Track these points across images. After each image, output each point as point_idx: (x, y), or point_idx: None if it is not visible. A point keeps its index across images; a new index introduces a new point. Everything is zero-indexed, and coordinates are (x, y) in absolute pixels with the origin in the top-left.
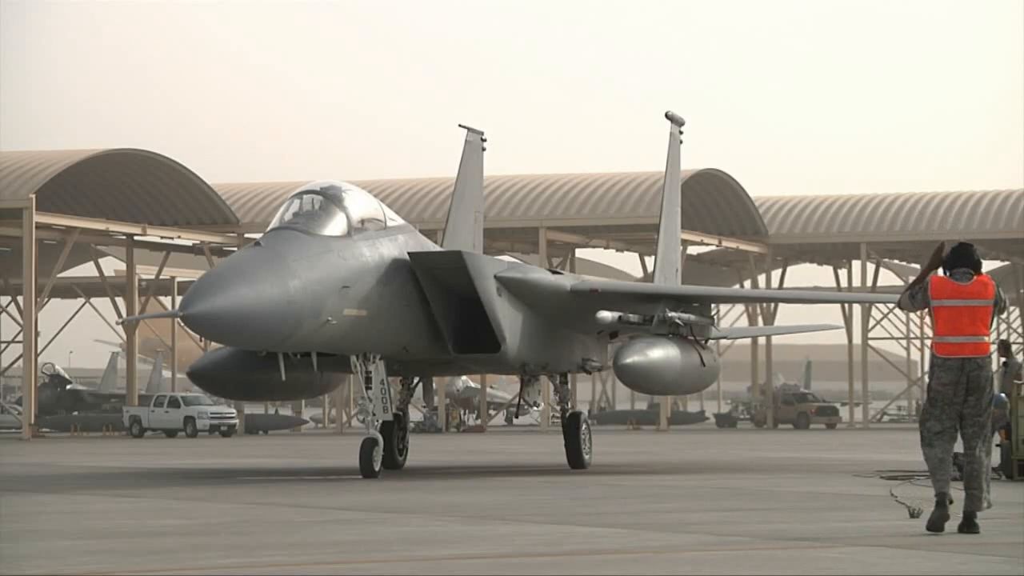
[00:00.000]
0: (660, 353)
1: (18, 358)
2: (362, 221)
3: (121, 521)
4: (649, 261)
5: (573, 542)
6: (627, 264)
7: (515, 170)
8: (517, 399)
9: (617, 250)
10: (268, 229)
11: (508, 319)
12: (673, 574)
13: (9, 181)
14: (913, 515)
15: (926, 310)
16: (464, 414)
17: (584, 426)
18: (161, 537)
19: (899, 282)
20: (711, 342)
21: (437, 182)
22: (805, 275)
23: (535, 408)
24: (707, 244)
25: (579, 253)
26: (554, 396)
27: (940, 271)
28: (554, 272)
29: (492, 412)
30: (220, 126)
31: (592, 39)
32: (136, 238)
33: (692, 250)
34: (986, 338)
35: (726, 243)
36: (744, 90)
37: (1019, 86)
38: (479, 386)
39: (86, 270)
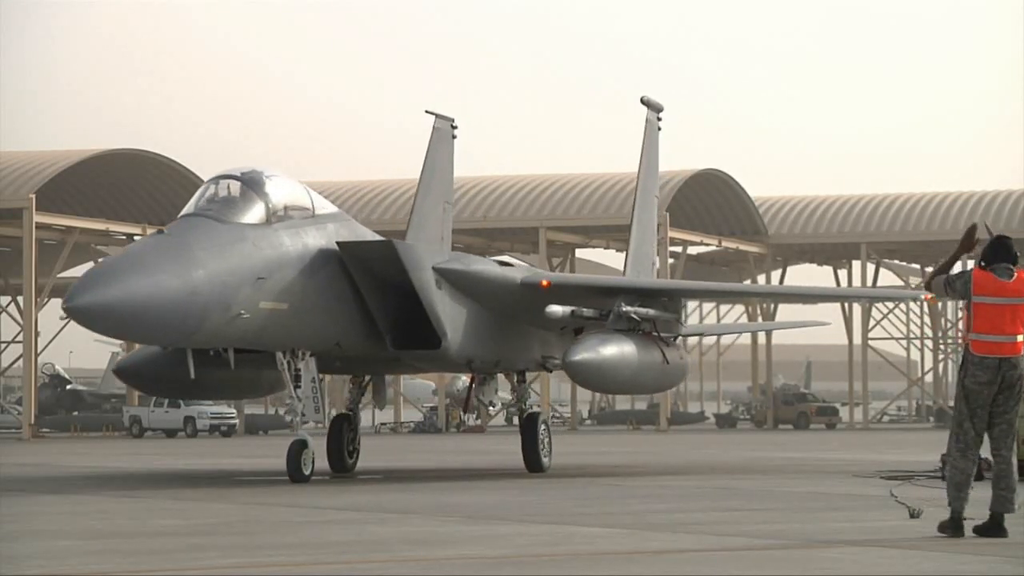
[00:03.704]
0: (614, 350)
1: (18, 358)
2: (285, 208)
3: (121, 521)
4: None
5: (573, 542)
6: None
7: (515, 170)
8: (466, 397)
9: (617, 250)
10: (179, 216)
11: (449, 313)
12: (673, 574)
13: (9, 181)
14: (913, 515)
15: (962, 302)
16: (464, 414)
17: (543, 427)
18: (161, 537)
19: (899, 282)
20: (687, 339)
21: None
22: (805, 275)
23: (491, 408)
24: (707, 244)
25: (579, 253)
26: (511, 395)
27: (968, 261)
28: (503, 264)
29: (492, 412)
30: (220, 126)
31: (594, 39)
32: (136, 238)
33: (692, 250)
34: (1020, 337)
35: (726, 243)
36: (745, 90)
37: (1019, 86)
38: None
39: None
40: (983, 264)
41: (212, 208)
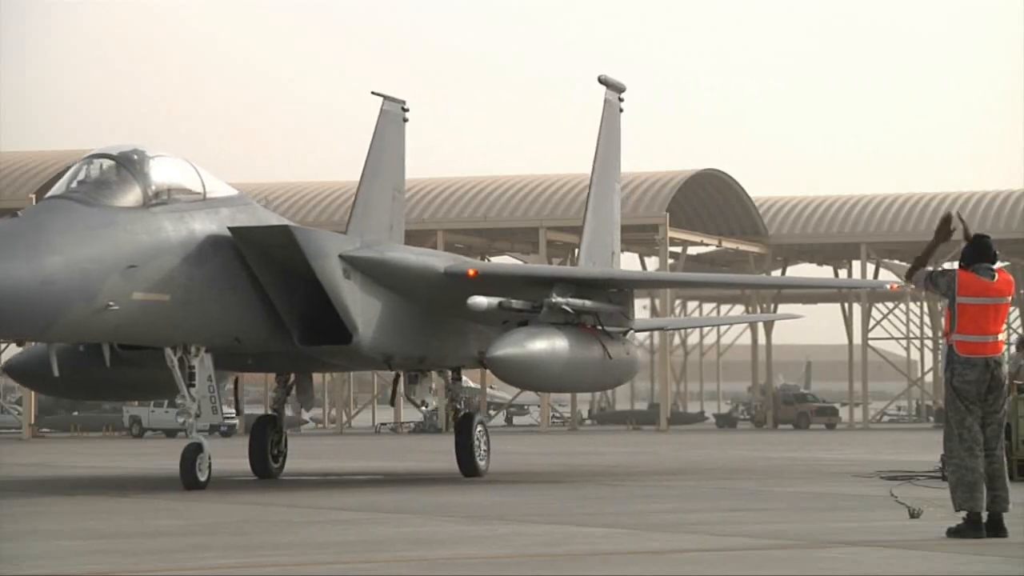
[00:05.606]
0: (543, 345)
1: None
2: (168, 191)
3: (121, 521)
4: (649, 261)
5: (573, 542)
6: (627, 264)
7: (515, 170)
8: (391, 394)
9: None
10: (43, 198)
11: (360, 305)
12: (673, 574)
13: (9, 181)
14: (913, 515)
15: (945, 301)
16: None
17: (479, 428)
18: (161, 537)
19: (899, 282)
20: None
21: (436, 182)
22: (805, 275)
23: (423, 408)
24: (707, 244)
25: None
26: (445, 395)
27: (956, 263)
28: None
29: (492, 412)
30: (218, 126)
31: (596, 40)
32: None
33: (692, 250)
34: (1002, 336)
35: (726, 243)
36: (745, 91)
37: (1019, 87)
38: (479, 386)
39: None
40: (963, 264)
41: (80, 190)
